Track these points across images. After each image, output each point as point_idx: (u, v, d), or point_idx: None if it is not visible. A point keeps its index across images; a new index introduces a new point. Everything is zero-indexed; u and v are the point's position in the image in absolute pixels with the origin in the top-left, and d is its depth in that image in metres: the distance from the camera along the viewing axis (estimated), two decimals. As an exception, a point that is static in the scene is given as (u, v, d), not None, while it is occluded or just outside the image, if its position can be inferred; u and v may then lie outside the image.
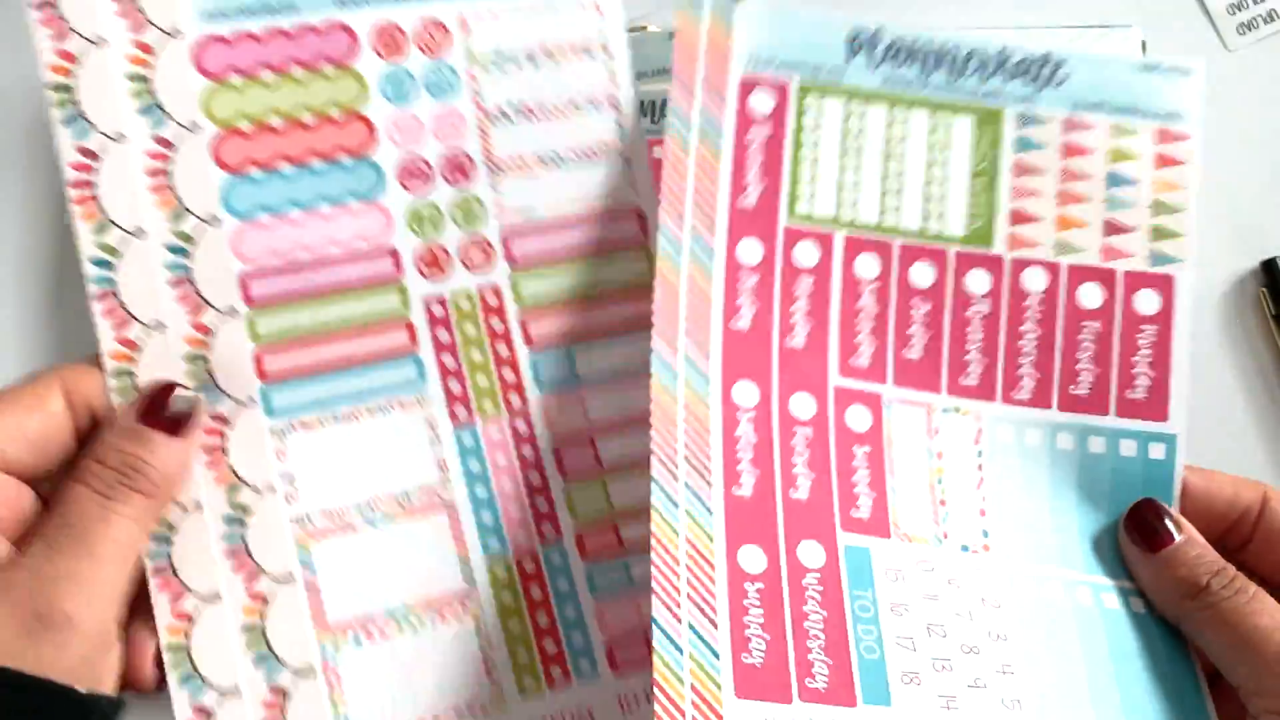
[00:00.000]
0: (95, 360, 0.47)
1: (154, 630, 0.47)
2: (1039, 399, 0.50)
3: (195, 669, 0.47)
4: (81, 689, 0.43)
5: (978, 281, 0.51)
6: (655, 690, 0.42)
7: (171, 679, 0.47)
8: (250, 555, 0.48)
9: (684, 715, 0.42)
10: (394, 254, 0.50)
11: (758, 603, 0.45)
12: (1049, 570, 0.49)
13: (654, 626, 0.43)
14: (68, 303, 0.70)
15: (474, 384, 0.50)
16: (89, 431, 0.47)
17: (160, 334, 0.47)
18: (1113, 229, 0.51)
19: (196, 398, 0.47)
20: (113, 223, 0.47)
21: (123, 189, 0.48)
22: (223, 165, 0.49)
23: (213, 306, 0.48)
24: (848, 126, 0.51)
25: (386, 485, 0.49)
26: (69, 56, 0.47)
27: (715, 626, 0.44)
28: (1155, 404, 0.50)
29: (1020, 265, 0.51)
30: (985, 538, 0.49)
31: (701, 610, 0.44)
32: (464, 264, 0.50)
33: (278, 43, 0.49)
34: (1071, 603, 0.49)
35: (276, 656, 0.48)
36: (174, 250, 0.48)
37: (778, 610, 0.45)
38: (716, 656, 0.43)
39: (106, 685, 0.45)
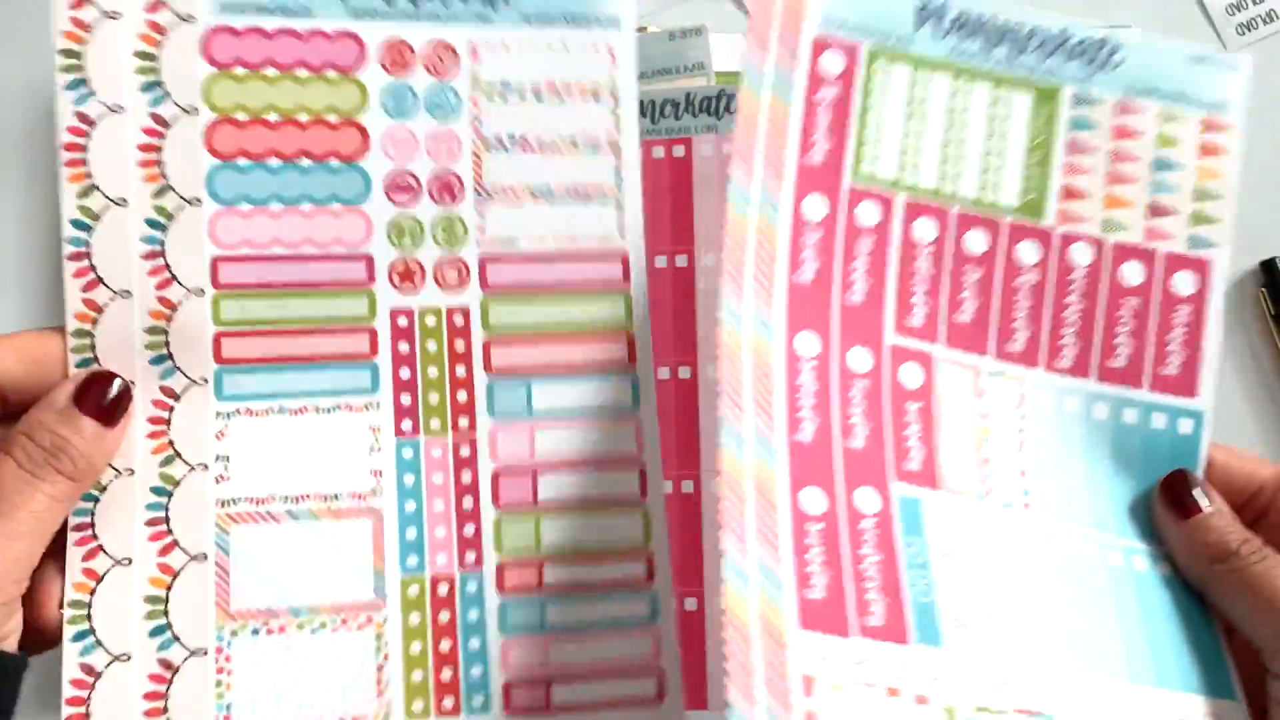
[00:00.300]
0: (9, 335, 0.49)
1: (62, 582, 0.48)
2: (1079, 368, 0.52)
3: (92, 628, 0.48)
4: None
5: (1028, 252, 0.52)
6: (725, 619, 0.43)
7: (67, 633, 0.48)
8: (169, 527, 0.49)
9: (750, 643, 0.43)
10: (369, 261, 0.51)
11: (818, 542, 0.46)
12: (1084, 531, 0.50)
13: (724, 560, 0.43)
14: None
15: (425, 400, 0.51)
16: (3, 406, 0.48)
17: (125, 301, 0.49)
18: (1156, 211, 0.52)
19: (128, 388, 0.48)
20: (97, 188, 0.49)
21: (112, 158, 0.49)
22: (213, 151, 0.50)
23: (181, 284, 0.49)
24: (913, 93, 0.52)
25: (318, 483, 0.50)
26: (82, 25, 0.49)
27: (779, 562, 0.45)
28: (1186, 381, 0.52)
29: (1069, 239, 0.52)
30: (1026, 496, 0.50)
31: (766, 545, 0.45)
32: (437, 282, 0.51)
33: (286, 42, 0.51)
34: (1105, 562, 0.50)
35: (173, 631, 0.48)
36: (152, 224, 0.49)
37: (836, 550, 0.46)
38: (780, 589, 0.45)
39: (8, 645, 0.46)
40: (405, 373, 0.50)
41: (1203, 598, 0.50)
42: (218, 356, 0.49)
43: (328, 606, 0.49)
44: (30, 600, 0.48)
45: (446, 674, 0.50)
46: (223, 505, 0.49)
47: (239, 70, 0.50)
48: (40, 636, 0.48)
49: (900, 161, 0.52)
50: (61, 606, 0.48)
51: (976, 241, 0.52)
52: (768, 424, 0.47)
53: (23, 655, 0.46)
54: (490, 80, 0.52)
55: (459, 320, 0.51)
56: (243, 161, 0.50)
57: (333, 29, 0.51)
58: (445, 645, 0.50)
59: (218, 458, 0.49)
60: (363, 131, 0.51)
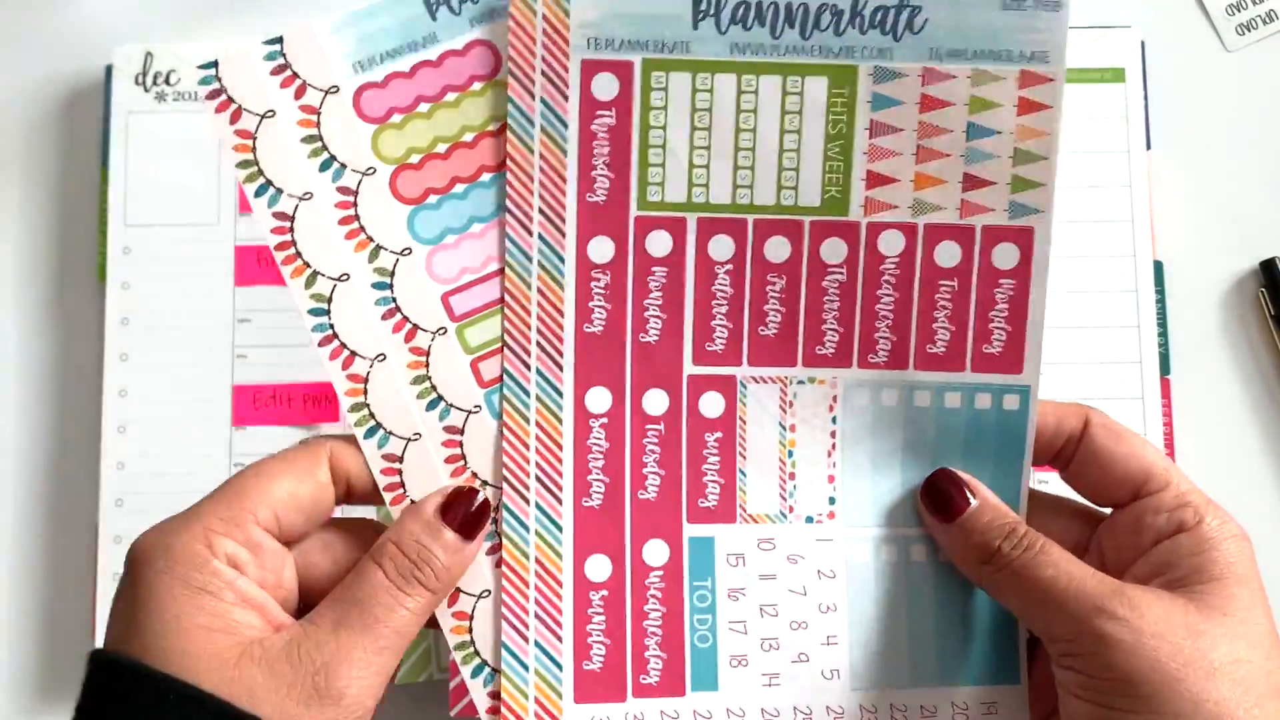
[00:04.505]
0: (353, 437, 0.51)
1: None
2: (896, 361, 0.51)
3: (484, 661, 0.51)
4: None
5: (833, 250, 0.50)
6: (501, 703, 0.48)
7: (464, 671, 0.52)
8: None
9: None
10: (568, 246, 0.53)
11: (601, 610, 0.49)
12: (889, 530, 0.52)
13: (502, 649, 0.48)
14: (67, 302, 0.73)
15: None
16: (345, 500, 0.51)
17: (383, 364, 0.51)
18: (972, 183, 0.50)
19: (488, 503, 0.51)
20: (319, 274, 0.51)
21: (320, 242, 0.51)
22: (402, 199, 0.52)
23: (423, 329, 0.52)
24: (695, 102, 0.50)
25: (611, 462, 0.53)
26: (246, 134, 0.50)
27: (560, 640, 0.49)
28: (1011, 357, 0.51)
29: (877, 229, 0.50)
30: (831, 505, 0.52)
31: (548, 626, 0.49)
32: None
33: (426, 74, 0.52)
34: (904, 561, 0.52)
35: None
36: (378, 286, 0.51)
37: (619, 614, 0.50)
38: (560, 668, 0.49)
39: None
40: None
41: None
42: (480, 381, 0.52)
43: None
44: None
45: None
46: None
47: (396, 118, 0.52)
48: None
49: (689, 180, 0.50)
50: None
51: (778, 249, 0.50)
52: (555, 499, 0.49)
53: None
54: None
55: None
56: (432, 199, 0.52)
57: (462, 44, 0.52)
58: None
59: (518, 471, 0.52)
60: (522, 129, 0.53)
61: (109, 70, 0.74)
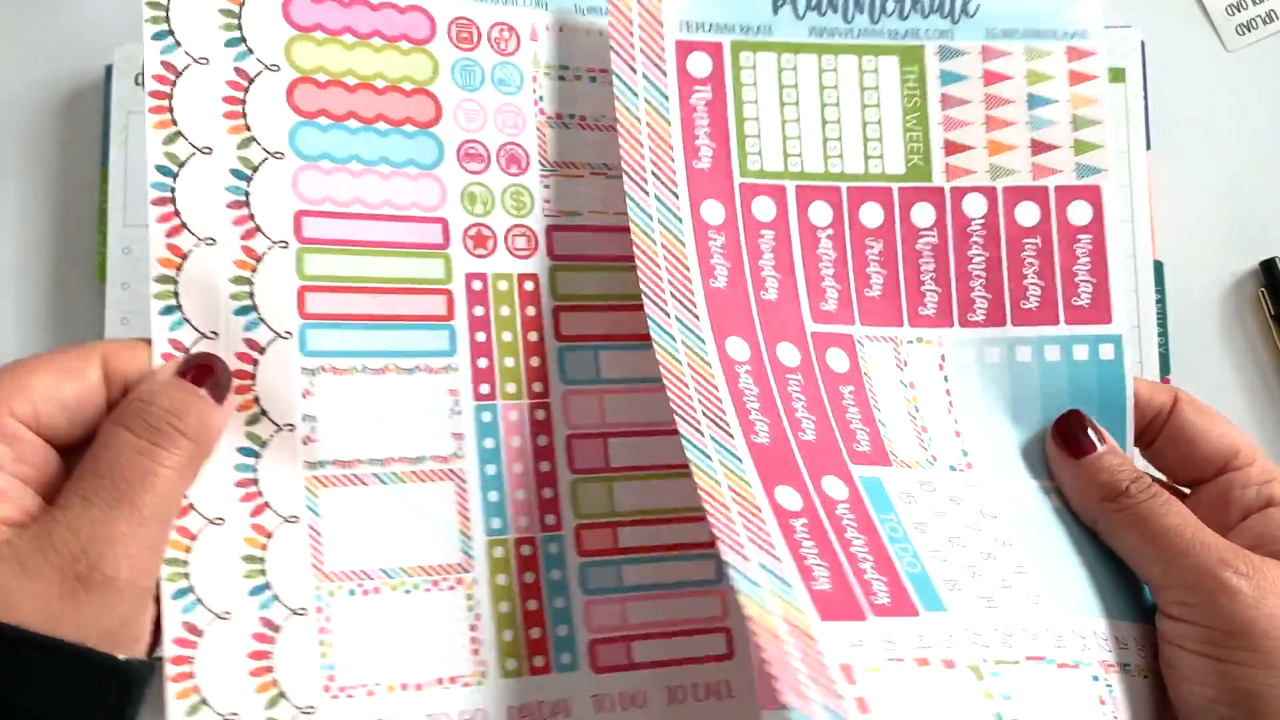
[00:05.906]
0: (139, 340, 0.47)
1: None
2: (994, 318, 0.53)
3: (191, 585, 0.45)
4: (121, 656, 0.42)
5: (922, 215, 0.53)
6: (752, 628, 0.42)
7: (166, 590, 0.45)
8: (259, 489, 0.47)
9: (783, 642, 0.42)
10: (444, 225, 0.51)
11: (807, 535, 0.46)
12: (1022, 481, 0.52)
13: (729, 570, 0.43)
14: (67, 302, 0.70)
15: (501, 364, 0.51)
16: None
17: (210, 249, 0.47)
18: (1039, 148, 0.53)
19: (229, 370, 0.47)
20: (182, 135, 0.48)
21: (197, 107, 0.48)
22: (295, 108, 0.49)
23: (265, 235, 0.48)
24: (782, 80, 0.52)
25: (402, 446, 0.49)
26: (165, -12, 0.48)
27: (780, 561, 0.44)
28: (1099, 309, 0.53)
29: (960, 193, 0.53)
30: (966, 456, 0.52)
31: (763, 549, 0.44)
32: (508, 248, 0.52)
33: (361, 11, 0.51)
34: (1049, 506, 0.52)
35: (273, 590, 0.46)
36: (236, 174, 0.48)
37: (825, 540, 0.46)
38: (790, 586, 0.44)
39: (142, 646, 0.44)
40: (481, 336, 0.51)
41: None
42: (301, 311, 0.48)
43: (417, 568, 0.49)
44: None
45: (535, 633, 0.50)
46: (310, 468, 0.48)
47: (319, 34, 0.50)
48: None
49: (784, 150, 0.52)
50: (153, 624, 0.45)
51: (871, 215, 0.53)
52: (725, 433, 0.47)
53: (154, 661, 0.44)
54: (549, 62, 0.54)
55: (529, 286, 0.52)
56: (323, 120, 0.50)
57: (404, 3, 0.51)
58: (532, 605, 0.50)
59: (305, 418, 0.48)
60: (435, 101, 0.51)
61: (109, 70, 0.72)
